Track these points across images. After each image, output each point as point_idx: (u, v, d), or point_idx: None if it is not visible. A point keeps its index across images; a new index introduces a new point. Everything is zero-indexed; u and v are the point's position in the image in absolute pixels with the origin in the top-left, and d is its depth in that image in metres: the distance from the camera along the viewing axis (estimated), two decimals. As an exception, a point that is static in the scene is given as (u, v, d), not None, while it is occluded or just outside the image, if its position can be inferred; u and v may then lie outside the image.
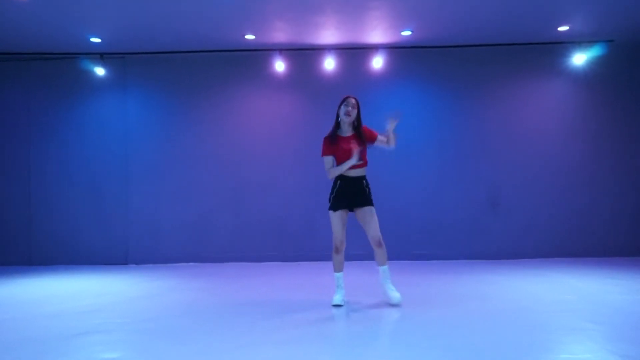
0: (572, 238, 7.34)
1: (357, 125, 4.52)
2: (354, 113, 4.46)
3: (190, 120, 7.54)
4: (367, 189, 4.52)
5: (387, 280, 4.50)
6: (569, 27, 6.62)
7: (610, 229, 7.37)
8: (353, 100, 4.47)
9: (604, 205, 7.38)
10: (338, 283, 4.58)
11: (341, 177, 4.47)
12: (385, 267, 4.48)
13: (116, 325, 3.94)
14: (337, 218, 4.47)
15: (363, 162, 4.49)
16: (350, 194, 4.46)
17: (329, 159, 4.54)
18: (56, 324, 4.00)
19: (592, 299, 4.61)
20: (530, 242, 7.34)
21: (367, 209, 4.46)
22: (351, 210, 4.54)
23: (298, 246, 7.42)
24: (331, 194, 4.51)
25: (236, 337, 3.58)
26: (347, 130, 4.53)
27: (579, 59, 7.16)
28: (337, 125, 4.55)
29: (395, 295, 4.41)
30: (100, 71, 7.36)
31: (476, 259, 7.28)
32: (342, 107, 4.44)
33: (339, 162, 4.47)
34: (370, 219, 4.45)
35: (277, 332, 3.70)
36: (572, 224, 7.36)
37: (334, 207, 4.47)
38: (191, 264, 7.37)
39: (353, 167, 4.43)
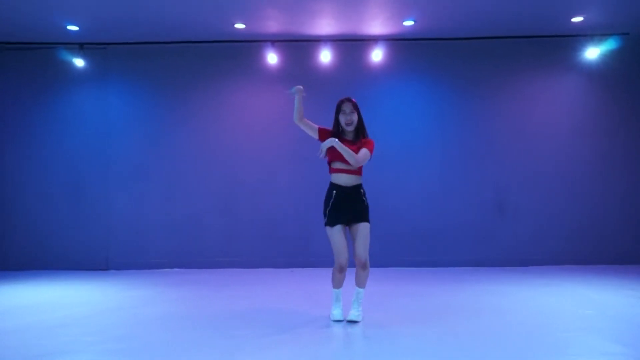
0: (583, 244, 7.12)
1: (360, 129, 4.18)
2: (355, 118, 4.11)
3: (177, 116, 7.25)
4: (364, 202, 4.14)
5: (358, 302, 4.18)
6: (584, 17, 6.37)
7: (624, 234, 7.14)
8: (350, 106, 4.11)
9: (617, 209, 7.16)
10: (337, 298, 4.23)
11: (336, 187, 4.11)
12: (362, 290, 4.17)
13: (84, 344, 3.57)
14: (337, 234, 4.06)
15: (355, 169, 4.10)
16: (348, 207, 4.08)
17: (315, 126, 4.19)
18: (17, 343, 3.64)
19: (612, 314, 4.31)
20: (540, 248, 7.12)
21: (362, 225, 4.08)
22: (348, 224, 4.17)
23: (292, 251, 7.14)
24: (326, 206, 4.12)
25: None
26: (350, 135, 4.20)
27: (592, 53, 6.95)
28: (339, 130, 4.19)
29: (357, 314, 4.13)
30: (79, 62, 7.07)
31: (483, 266, 7.04)
32: (341, 116, 4.12)
33: (332, 159, 4.12)
34: (363, 236, 4.07)
35: (265, 352, 3.33)
36: (584, 229, 7.14)
37: (330, 222, 4.08)
38: (176, 270, 7.06)
39: (345, 172, 4.07)
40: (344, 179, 4.08)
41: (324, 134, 4.16)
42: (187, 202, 7.18)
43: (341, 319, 4.12)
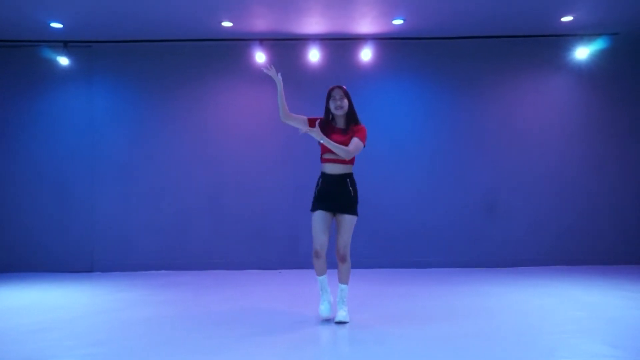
0: (574, 244, 7.14)
1: (351, 116, 4.17)
2: (345, 104, 4.11)
3: (163, 116, 7.17)
4: (351, 192, 4.09)
5: (343, 302, 4.12)
6: (573, 17, 6.37)
7: (615, 235, 7.16)
8: (340, 92, 4.11)
9: (608, 209, 7.18)
10: (322, 286, 4.16)
11: (322, 175, 4.14)
12: (345, 286, 4.12)
13: (64, 349, 3.48)
14: (316, 219, 4.07)
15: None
16: (333, 196, 4.06)
17: (303, 118, 4.18)
18: None
19: (604, 315, 4.30)
20: (530, 249, 7.13)
21: (346, 217, 4.05)
22: (334, 214, 4.13)
23: (280, 252, 7.09)
24: (314, 193, 4.16)
25: (198, 366, 3.14)
26: (341, 122, 4.19)
27: (582, 52, 6.97)
28: (329, 117, 4.21)
29: (344, 314, 4.08)
30: (63, 61, 6.93)
31: (474, 267, 7.03)
32: (331, 102, 4.12)
33: (323, 151, 4.12)
34: (344, 228, 4.04)
35: (250, 355, 3.28)
36: (575, 229, 7.15)
37: (313, 207, 4.13)
38: (163, 271, 6.97)
39: (332, 161, 4.06)
40: (330, 168, 4.07)
41: (313, 123, 4.12)
42: (174, 202, 7.10)
43: (329, 316, 4.07)
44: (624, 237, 7.13)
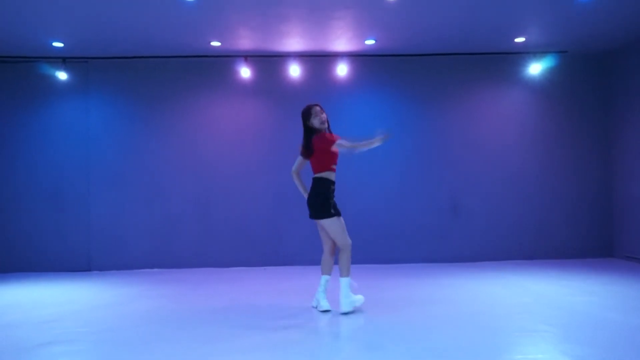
0: (528, 241, 7.55)
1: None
2: (325, 117, 4.46)
3: (155, 126, 7.46)
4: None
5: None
6: (525, 38, 6.85)
7: (564, 232, 7.59)
8: (318, 108, 4.48)
9: (558, 210, 7.60)
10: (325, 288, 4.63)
11: (333, 183, 4.45)
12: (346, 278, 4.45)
13: (79, 335, 3.89)
14: (342, 221, 4.44)
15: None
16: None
17: (299, 159, 4.62)
18: (17, 334, 3.93)
19: (546, 301, 4.80)
20: (489, 246, 7.50)
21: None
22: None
23: (264, 251, 7.42)
24: (329, 199, 4.38)
25: (199, 346, 3.58)
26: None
27: (535, 68, 7.40)
28: (310, 136, 4.50)
29: (345, 304, 4.42)
30: (62, 76, 7.21)
31: (437, 262, 7.41)
32: (316, 119, 4.40)
33: (334, 161, 4.49)
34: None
35: (241, 339, 3.71)
36: (529, 227, 7.56)
37: (337, 211, 4.42)
38: (156, 270, 7.28)
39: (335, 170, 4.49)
40: (334, 176, 4.49)
41: (304, 152, 4.55)
42: (165, 206, 7.38)
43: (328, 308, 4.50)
44: (574, 234, 7.56)
